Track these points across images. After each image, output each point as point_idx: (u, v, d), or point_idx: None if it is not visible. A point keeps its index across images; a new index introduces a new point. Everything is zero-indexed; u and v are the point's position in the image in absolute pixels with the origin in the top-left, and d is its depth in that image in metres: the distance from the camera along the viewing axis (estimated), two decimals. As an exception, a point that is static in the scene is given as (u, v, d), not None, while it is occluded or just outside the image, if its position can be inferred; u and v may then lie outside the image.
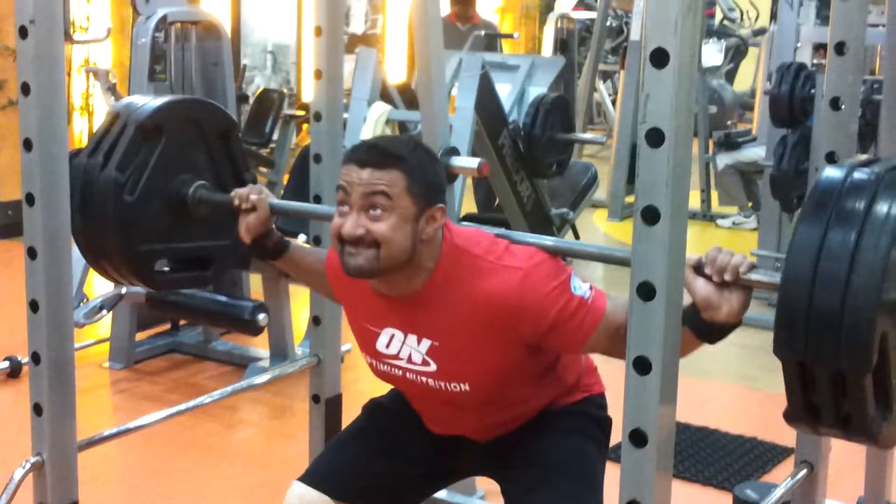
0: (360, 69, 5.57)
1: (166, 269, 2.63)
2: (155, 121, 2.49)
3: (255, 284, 4.86)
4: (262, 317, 4.27)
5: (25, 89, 2.32)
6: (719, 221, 8.07)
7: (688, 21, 1.55)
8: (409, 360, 2.07)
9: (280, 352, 4.50)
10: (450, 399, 2.08)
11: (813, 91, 5.18)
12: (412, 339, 2.06)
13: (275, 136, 7.81)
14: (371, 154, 1.97)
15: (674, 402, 1.71)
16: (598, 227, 7.98)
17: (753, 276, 1.77)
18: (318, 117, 2.90)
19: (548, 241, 2.06)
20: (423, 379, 2.07)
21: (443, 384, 2.06)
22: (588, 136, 8.15)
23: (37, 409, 2.40)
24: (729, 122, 8.30)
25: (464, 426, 2.21)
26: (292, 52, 10.09)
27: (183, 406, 2.89)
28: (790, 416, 1.74)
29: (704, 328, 1.81)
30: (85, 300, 4.67)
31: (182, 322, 4.93)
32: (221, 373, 4.64)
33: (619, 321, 1.88)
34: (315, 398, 2.97)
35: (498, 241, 2.04)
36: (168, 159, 2.50)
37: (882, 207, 1.60)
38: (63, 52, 2.36)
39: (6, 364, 4.45)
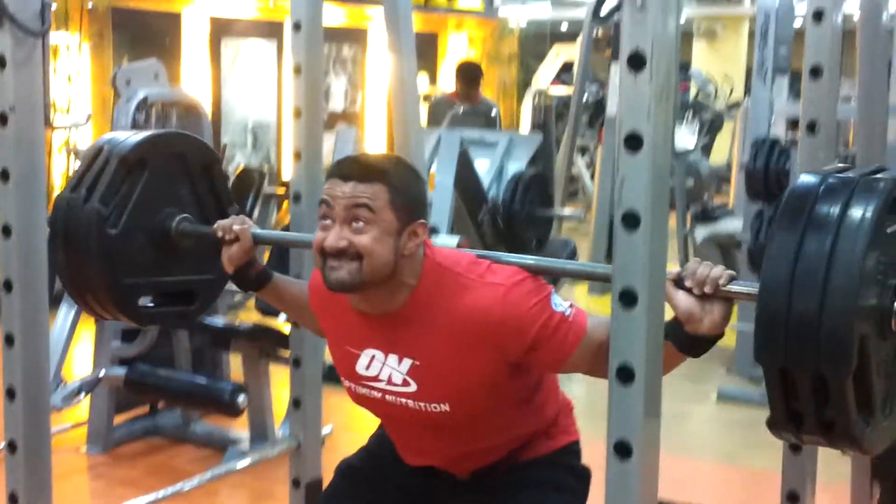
0: (340, 147, 5.61)
1: (150, 304, 2.61)
2: (138, 154, 2.47)
3: (234, 365, 4.83)
4: (241, 399, 4.23)
5: (5, 175, 2.33)
6: (699, 294, 8.08)
7: (661, 106, 1.57)
8: (389, 381, 2.06)
9: (260, 434, 4.45)
10: (429, 422, 2.06)
11: (788, 166, 5.23)
12: (393, 359, 2.05)
13: (255, 214, 7.83)
14: (354, 168, 1.98)
15: (658, 413, 1.69)
16: (578, 302, 7.96)
17: (734, 288, 1.78)
18: (297, 198, 2.91)
19: (529, 260, 2.06)
20: (403, 401, 2.05)
21: (423, 405, 2.04)
22: (567, 211, 8.19)
23: (12, 499, 2.37)
24: (706, 196, 8.37)
25: (441, 455, 2.18)
26: (273, 130, 10.17)
27: (161, 493, 2.86)
28: (773, 425, 1.73)
29: (687, 341, 1.82)
30: (63, 383, 4.62)
31: (161, 405, 4.88)
32: (201, 456, 4.58)
33: (601, 338, 1.88)
34: (295, 483, 2.94)
35: (479, 261, 2.05)
36: (152, 192, 2.48)
37: (856, 212, 1.61)
38: (43, 139, 2.38)
39: (-18, 449, 4.38)
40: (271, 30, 10.06)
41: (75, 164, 7.58)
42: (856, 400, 1.63)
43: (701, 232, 7.73)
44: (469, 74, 7.63)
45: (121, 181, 2.44)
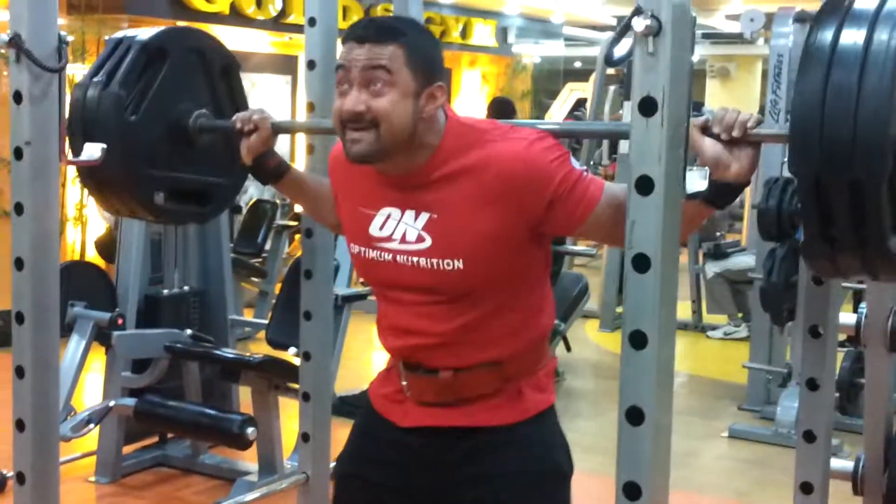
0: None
1: (161, 201, 2.59)
2: (159, 42, 2.48)
3: (244, 397, 4.83)
4: (250, 431, 4.23)
5: (19, 209, 2.34)
6: (710, 333, 8.08)
7: (672, 151, 1.58)
8: (403, 239, 2.02)
9: (269, 466, 4.45)
10: (435, 285, 2.01)
11: (800, 205, 5.23)
12: (409, 215, 2.02)
13: (267, 246, 7.86)
14: (370, 30, 1.96)
15: (668, 453, 1.69)
16: (589, 338, 7.98)
17: (762, 131, 1.78)
18: (308, 233, 2.92)
19: (551, 125, 2.08)
20: (415, 259, 2.01)
21: (435, 262, 1.99)
22: (579, 247, 8.20)
23: (20, 531, 2.37)
24: (718, 234, 8.37)
25: (433, 333, 2.06)
26: (286, 159, 10.22)
27: (169, 525, 2.86)
28: (807, 249, 1.72)
29: (713, 190, 1.80)
30: (72, 413, 4.63)
31: (170, 435, 4.89)
32: (209, 487, 4.58)
33: (618, 201, 1.86)
34: (303, 516, 2.93)
35: (501, 124, 2.05)
36: (171, 85, 2.49)
37: (888, 23, 1.61)
38: (58, 173, 2.40)
39: (-9, 478, 4.39)
40: (286, 64, 10.13)
41: (88, 195, 7.63)
42: (890, 212, 1.62)
43: (712, 268, 7.74)
44: (502, 108, 7.69)
45: (141, 69, 2.44)
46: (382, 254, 2.06)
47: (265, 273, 7.71)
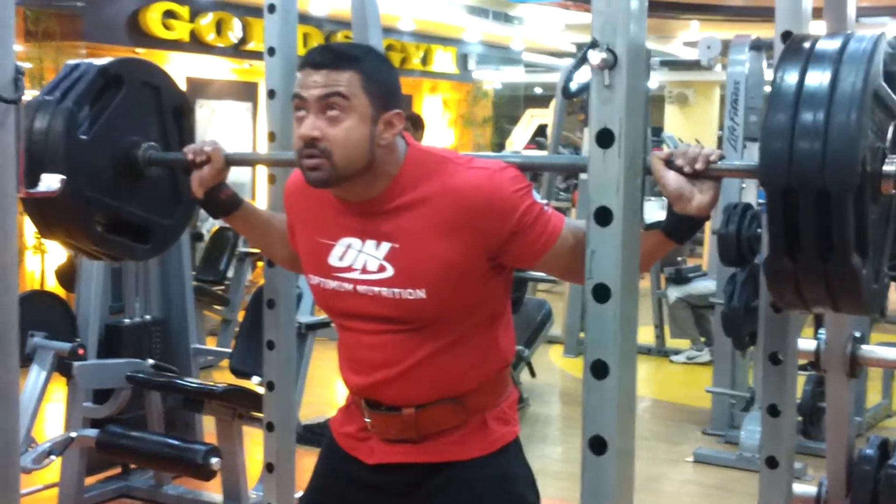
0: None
1: (103, 229, 2.55)
2: (117, 70, 2.46)
3: (208, 427, 4.80)
4: (214, 461, 4.20)
5: (-23, 241, 2.32)
6: (673, 357, 8.12)
7: (630, 181, 1.60)
8: (364, 269, 2.01)
9: (233, 496, 4.42)
10: (397, 316, 2.00)
11: (759, 230, 5.29)
12: (370, 244, 2.01)
13: (229, 274, 7.82)
14: (326, 56, 1.96)
15: (631, 481, 1.71)
16: (554, 364, 8.00)
17: (723, 165, 1.81)
18: (270, 263, 2.92)
19: (512, 157, 2.09)
20: (377, 289, 2.00)
21: (397, 291, 1.99)
22: (541, 273, 8.22)
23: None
24: (679, 258, 8.43)
25: (395, 369, 2.05)
26: (247, 189, 10.19)
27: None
28: (770, 266, 1.75)
29: (675, 223, 1.83)
30: (33, 445, 4.57)
31: (133, 466, 4.84)
32: (173, 519, 4.55)
33: (577, 238, 1.88)
34: (269, 548, 2.92)
35: (462, 153, 2.05)
36: (124, 113, 2.45)
37: (855, 46, 1.70)
38: (15, 205, 2.38)
39: (-51, 513, 4.33)
40: (246, 91, 10.13)
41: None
42: (854, 232, 1.66)
43: (674, 293, 7.79)
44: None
45: (97, 92, 2.42)
46: (342, 284, 2.05)
47: (228, 301, 7.67)
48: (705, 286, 7.50)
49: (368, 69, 1.96)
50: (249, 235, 2.51)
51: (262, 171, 3.00)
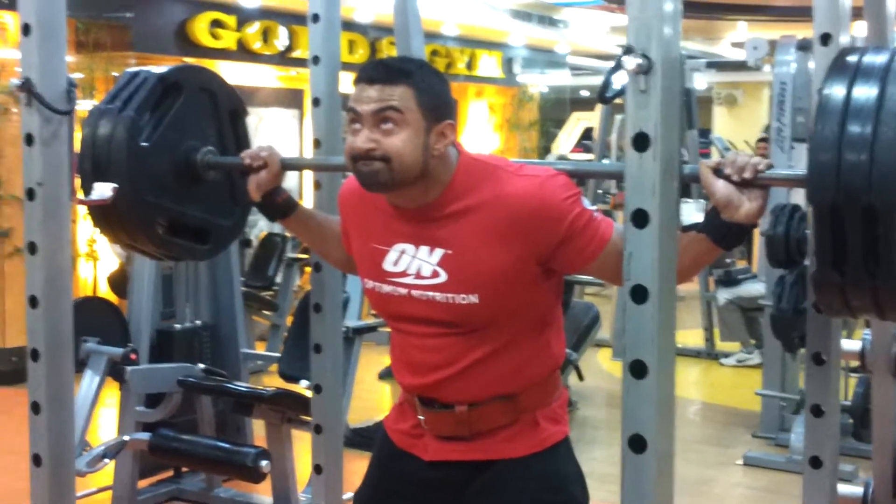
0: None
1: (164, 232, 2.60)
2: (175, 77, 2.52)
3: (257, 430, 4.86)
4: (264, 464, 4.25)
5: (32, 248, 2.39)
6: (723, 360, 8.06)
7: (666, 184, 1.62)
8: (418, 274, 2.06)
9: (283, 499, 4.47)
10: (451, 320, 2.04)
11: (808, 232, 5.25)
12: (424, 250, 2.06)
13: (278, 279, 7.89)
14: (380, 71, 2.01)
15: (671, 481, 1.72)
16: (602, 367, 7.99)
17: (772, 173, 1.83)
18: (317, 267, 2.96)
19: (560, 164, 2.12)
20: (430, 294, 2.05)
21: (450, 296, 2.03)
22: (590, 276, 8.20)
23: (36, 566, 2.40)
24: (728, 260, 8.38)
25: (449, 369, 2.09)
26: (295, 196, 10.29)
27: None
28: (818, 280, 1.75)
29: (723, 230, 1.85)
30: (87, 448, 4.66)
31: (184, 469, 4.91)
32: (223, 521, 4.61)
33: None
34: (316, 549, 2.95)
35: (512, 161, 2.09)
36: (183, 119, 2.52)
37: None
38: (69, 213, 2.44)
39: (7, 515, 4.43)
40: (292, 98, 10.22)
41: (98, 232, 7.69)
42: None
43: (724, 295, 7.74)
44: None
45: (157, 99, 2.47)
46: (397, 288, 2.10)
47: (276, 306, 7.74)
48: (755, 288, 7.45)
49: (421, 83, 2.00)
50: (305, 238, 2.57)
51: (309, 177, 3.04)
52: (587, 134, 11.72)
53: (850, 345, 2.61)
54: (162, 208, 2.50)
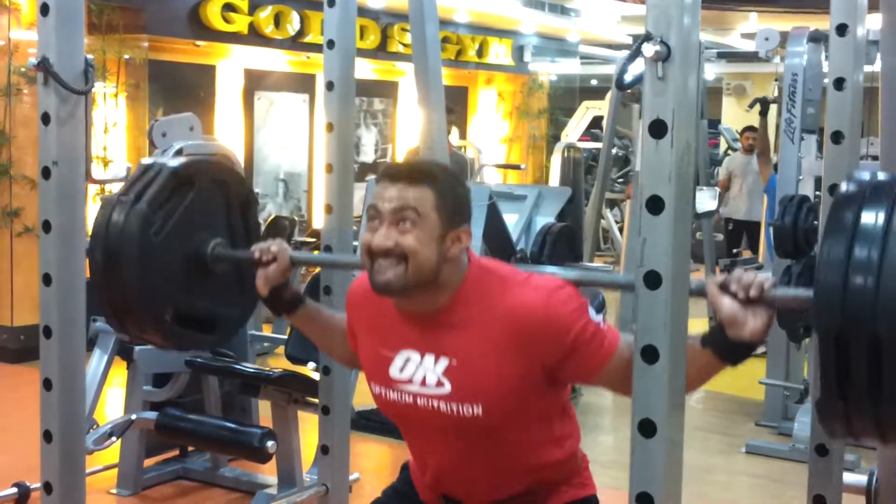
0: (370, 198, 5.67)
1: (171, 322, 2.60)
2: (189, 171, 2.55)
3: (263, 411, 4.88)
4: (270, 444, 4.28)
5: (46, 227, 2.40)
6: (727, 349, 8.06)
7: (682, 170, 1.63)
8: (423, 383, 2.07)
9: (288, 479, 4.49)
10: (457, 429, 2.06)
11: (816, 223, 5.26)
12: (429, 359, 2.07)
13: (286, 263, 7.90)
14: (403, 171, 2.04)
15: (680, 466, 1.74)
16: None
17: (778, 292, 1.82)
18: (328, 249, 2.97)
19: (565, 272, 2.14)
20: (436, 403, 2.06)
21: (455, 407, 2.04)
22: (595, 264, 8.22)
23: (47, 540, 2.42)
24: (735, 251, 8.38)
25: (461, 475, 2.16)
26: (304, 179, 10.28)
27: (191, 536, 2.89)
28: (822, 405, 1.75)
29: (728, 347, 1.84)
30: (95, 426, 4.69)
31: (190, 448, 4.94)
32: (229, 500, 4.63)
33: (631, 355, 1.89)
34: (322, 529, 2.98)
35: (521, 270, 2.10)
36: (194, 211, 2.53)
37: None
38: (84, 192, 2.46)
39: (14, 490, 4.45)
40: (304, 83, 10.22)
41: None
42: None
43: (728, 286, 7.74)
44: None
45: (169, 193, 2.49)
46: (403, 395, 2.12)
47: (284, 289, 7.75)
48: (760, 279, 7.44)
49: (442, 187, 2.03)
50: (310, 334, 2.54)
51: (320, 161, 3.05)
52: (596, 122, 11.70)
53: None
54: (170, 299, 2.53)
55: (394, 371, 2.12)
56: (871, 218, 1.68)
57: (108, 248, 2.43)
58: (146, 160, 2.66)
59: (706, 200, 7.26)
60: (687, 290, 1.72)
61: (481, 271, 2.07)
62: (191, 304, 2.57)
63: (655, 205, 1.64)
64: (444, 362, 2.05)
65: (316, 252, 7.46)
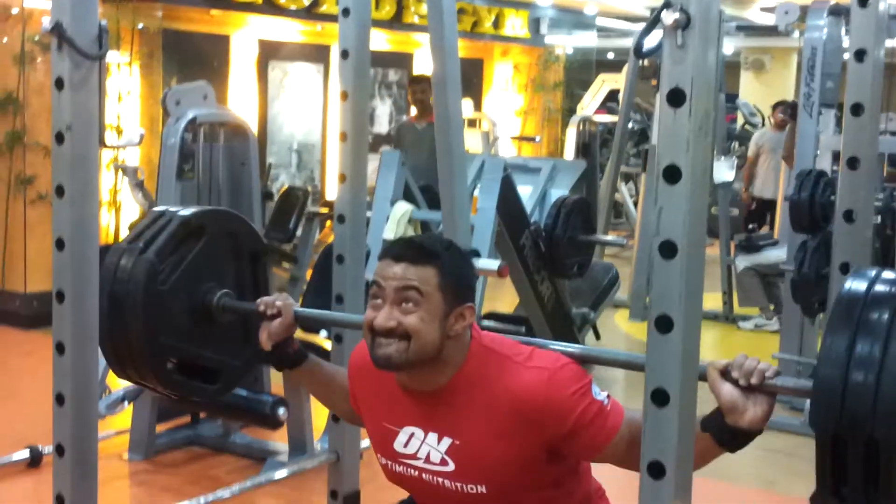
0: (384, 169, 5.67)
1: (174, 372, 2.60)
2: (199, 221, 2.54)
3: (275, 378, 4.90)
4: (281, 411, 4.30)
5: (60, 192, 2.40)
6: (741, 324, 8.07)
7: (699, 140, 1.61)
8: (427, 459, 2.08)
9: (299, 446, 4.51)
10: (464, 502, 2.08)
11: (833, 197, 5.23)
12: (432, 437, 2.07)
13: (298, 233, 7.91)
14: (407, 250, 2.03)
15: (692, 436, 1.74)
16: (619, 328, 8.00)
17: (779, 382, 1.81)
18: (341, 219, 2.97)
19: (571, 348, 2.11)
20: (440, 480, 2.07)
21: (459, 485, 2.05)
22: (609, 237, 8.20)
23: (59, 501, 2.43)
24: (751, 226, 8.34)
25: None
26: (317, 150, 10.27)
27: (202, 500, 2.91)
28: (817, 500, 1.75)
29: (727, 433, 1.83)
30: (107, 391, 4.71)
31: (202, 415, 4.96)
32: (240, 466, 4.65)
33: (636, 431, 1.89)
34: (333, 494, 2.99)
35: (524, 346, 2.09)
36: (202, 262, 2.53)
37: None
38: (98, 158, 2.45)
39: (27, 454, 4.48)
40: (318, 53, 10.19)
41: (123, 181, 7.72)
42: None
43: (742, 261, 7.72)
44: (417, 89, 7.67)
45: (178, 243, 2.49)
46: (409, 469, 2.12)
47: (296, 259, 7.76)
48: (776, 255, 7.41)
49: (446, 265, 2.02)
50: (312, 389, 2.54)
51: (334, 132, 3.03)
52: (612, 95, 11.64)
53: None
54: (174, 349, 2.52)
55: (398, 446, 2.13)
56: (866, 344, 1.67)
57: (114, 297, 2.43)
58: (158, 208, 2.65)
59: (723, 171, 7.21)
60: (703, 260, 1.70)
61: (483, 350, 2.06)
62: (194, 353, 2.57)
63: (672, 174, 1.62)
64: (447, 441, 2.06)
65: (328, 223, 7.45)
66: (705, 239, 1.72)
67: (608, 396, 2.03)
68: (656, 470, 1.69)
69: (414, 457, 2.10)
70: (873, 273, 1.78)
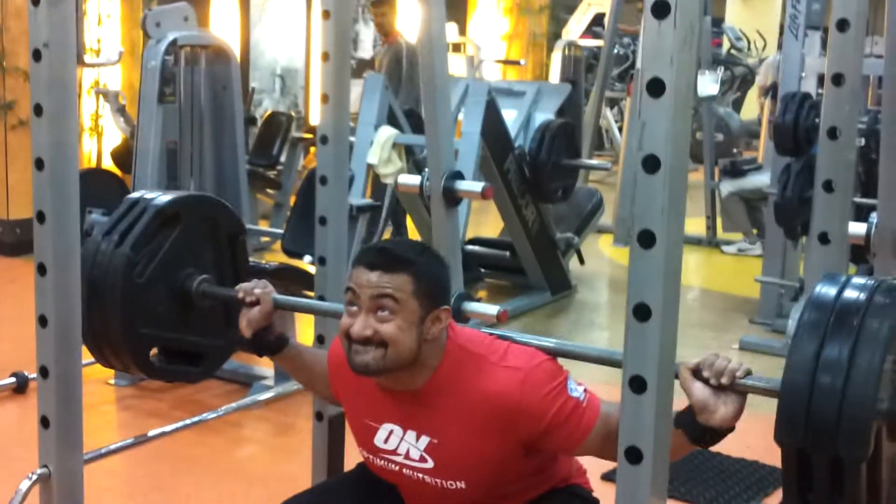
0: (368, 93, 5.63)
1: (157, 359, 2.62)
2: (174, 209, 2.53)
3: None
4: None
5: (38, 110, 2.37)
6: (724, 248, 8.10)
7: (683, 53, 1.59)
8: (407, 455, 2.11)
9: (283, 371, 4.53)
10: (444, 497, 2.12)
11: (817, 120, 5.22)
12: (411, 435, 2.11)
13: (282, 159, 7.88)
14: (380, 257, 2.02)
15: (674, 350, 1.75)
16: (603, 253, 8.02)
17: (749, 382, 1.82)
18: (324, 140, 2.94)
19: (545, 342, 2.13)
20: (420, 475, 2.11)
21: (439, 481, 2.09)
22: (594, 161, 8.19)
23: (44, 422, 2.44)
24: (735, 150, 8.34)
25: None
26: (301, 75, 10.18)
27: (188, 421, 2.92)
28: None
29: (698, 431, 1.85)
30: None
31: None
32: (226, 391, 4.66)
33: (613, 424, 1.90)
34: (318, 416, 3.00)
35: (499, 342, 2.11)
36: (179, 249, 2.52)
37: (881, 300, 1.71)
38: (76, 76, 2.41)
39: (13, 379, 4.49)
40: (301, -26, 10.06)
41: (103, 105, 7.64)
42: (866, 490, 1.70)
43: (727, 186, 7.72)
44: (377, 12, 7.67)
45: (153, 233, 2.48)
46: (390, 464, 2.15)
47: (280, 185, 7.75)
48: (760, 180, 7.40)
49: (420, 271, 2.01)
50: (294, 374, 2.54)
51: (318, 56, 2.99)
52: (598, 20, 11.53)
53: (856, 227, 2.61)
54: (156, 338, 2.52)
55: (378, 441, 2.15)
56: (833, 350, 1.68)
57: (93, 287, 2.43)
58: (133, 195, 2.61)
59: (708, 84, 7.17)
60: (685, 178, 1.70)
61: (459, 350, 2.07)
62: (176, 338, 2.56)
63: (656, 87, 1.60)
64: (425, 440, 2.09)
65: (312, 149, 7.40)
66: (688, 153, 1.71)
67: (585, 391, 2.05)
68: (634, 455, 1.71)
69: (394, 452, 2.14)
70: (843, 279, 1.78)
